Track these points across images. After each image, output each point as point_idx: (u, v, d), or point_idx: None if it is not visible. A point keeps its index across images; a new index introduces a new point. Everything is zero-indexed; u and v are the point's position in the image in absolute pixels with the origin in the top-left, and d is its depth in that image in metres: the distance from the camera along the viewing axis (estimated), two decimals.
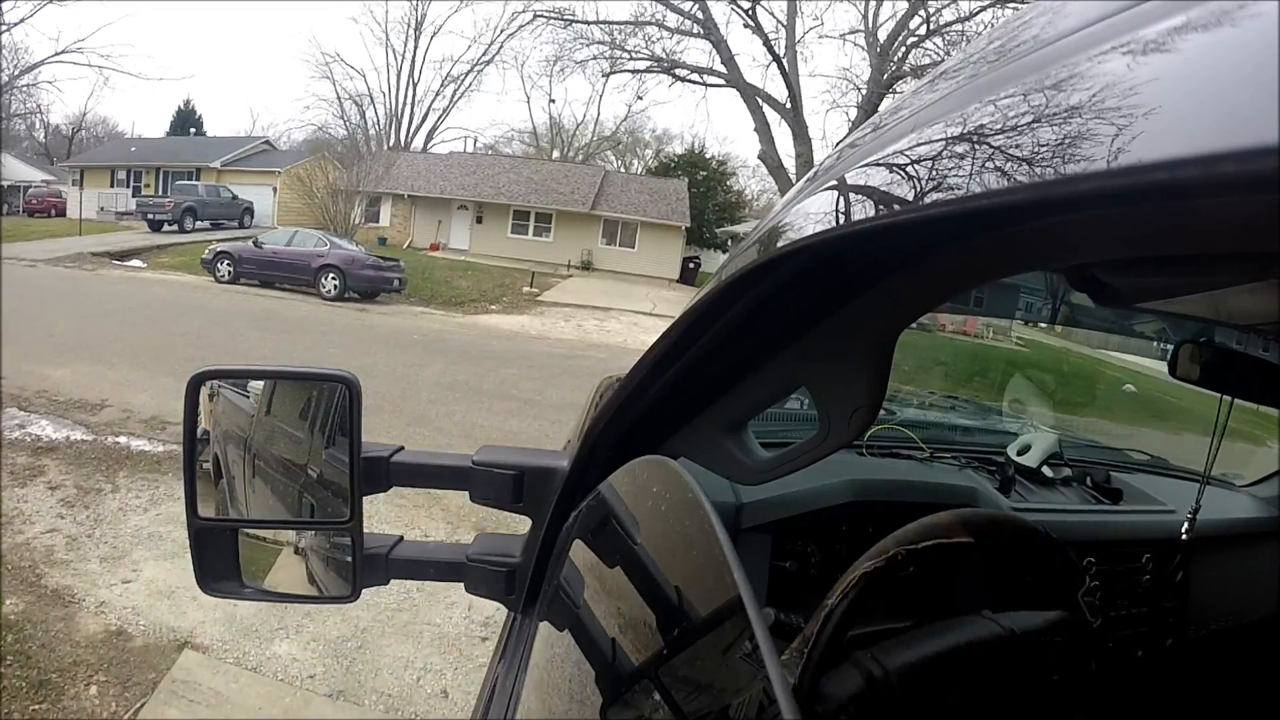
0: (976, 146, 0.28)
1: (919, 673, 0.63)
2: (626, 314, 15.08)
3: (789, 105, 14.99)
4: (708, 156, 32.53)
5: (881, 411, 0.54)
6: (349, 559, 0.74)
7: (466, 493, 0.78)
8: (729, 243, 27.47)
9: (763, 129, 14.99)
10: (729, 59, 15.90)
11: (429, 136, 36.57)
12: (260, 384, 0.85)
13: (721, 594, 0.45)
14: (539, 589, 0.78)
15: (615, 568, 0.63)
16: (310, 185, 20.68)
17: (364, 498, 0.72)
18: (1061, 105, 0.24)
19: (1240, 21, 0.19)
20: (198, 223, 21.53)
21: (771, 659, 0.33)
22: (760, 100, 15.16)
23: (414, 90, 36.06)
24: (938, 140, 0.32)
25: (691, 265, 24.32)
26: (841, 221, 0.38)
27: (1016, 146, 0.26)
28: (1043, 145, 0.24)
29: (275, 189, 23.89)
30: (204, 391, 0.74)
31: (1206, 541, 1.18)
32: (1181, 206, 0.23)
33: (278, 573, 0.84)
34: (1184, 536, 1.11)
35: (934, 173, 0.30)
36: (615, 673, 0.53)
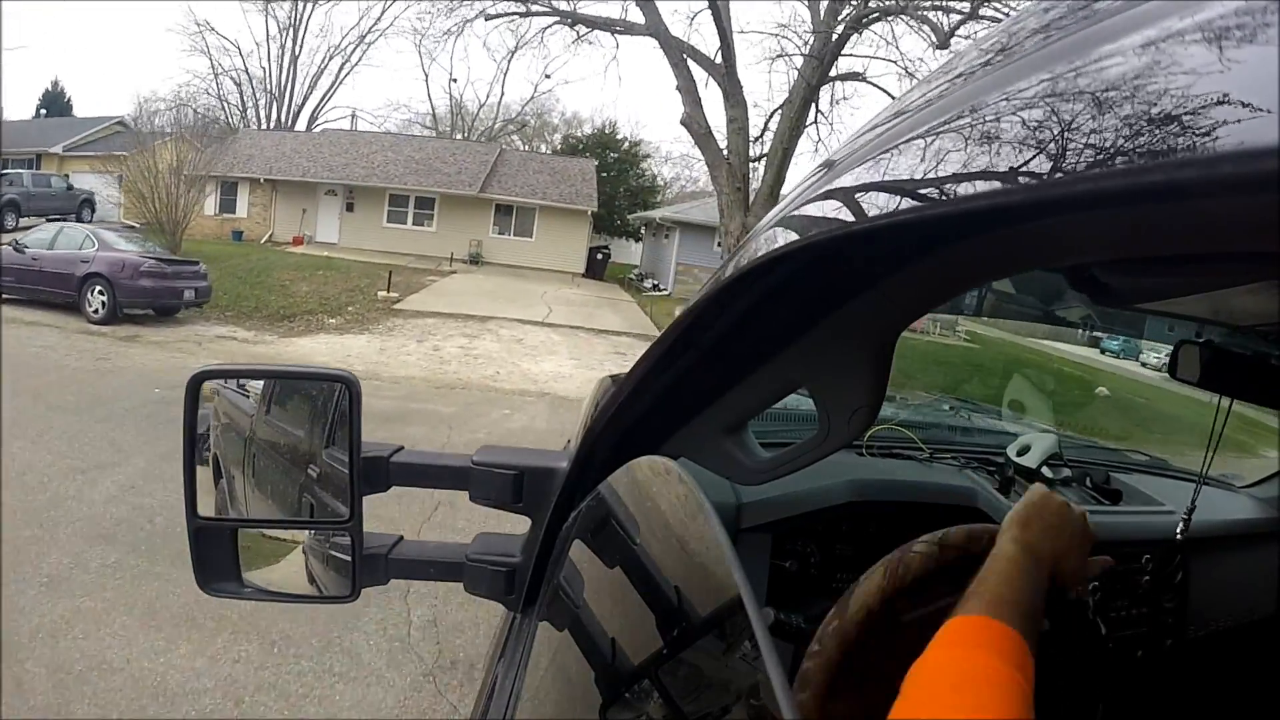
0: (976, 147, 0.28)
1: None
2: (510, 325, 11.32)
3: (720, 59, 12.62)
4: (619, 137, 29.19)
5: (881, 412, 0.54)
6: (349, 558, 0.74)
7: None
8: (642, 230, 24.13)
9: (687, 88, 12.70)
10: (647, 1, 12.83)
11: (313, 117, 31.41)
12: (260, 383, 0.85)
13: (721, 594, 0.45)
14: (539, 589, 0.78)
15: (615, 568, 0.63)
16: (157, 171, 15.87)
17: (363, 497, 0.72)
18: (1061, 106, 0.24)
19: (1240, 22, 0.19)
20: (21, 219, 16.63)
21: (771, 659, 0.33)
22: (685, 55, 12.80)
23: (295, 65, 31.07)
24: (937, 141, 0.32)
25: (600, 256, 20.78)
26: (841, 221, 0.38)
27: (1016, 147, 0.26)
28: (1042, 146, 0.24)
29: (121, 177, 17.86)
30: (204, 391, 0.74)
31: (1205, 542, 1.18)
32: (1181, 206, 0.23)
33: (283, 571, 0.84)
34: (1178, 536, 1.11)
35: (933, 173, 0.30)
36: (615, 673, 0.53)
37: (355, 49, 31.47)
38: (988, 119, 0.28)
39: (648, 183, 30.55)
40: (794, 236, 0.43)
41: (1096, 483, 1.28)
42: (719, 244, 13.46)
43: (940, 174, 0.30)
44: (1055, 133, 0.24)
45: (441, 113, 34.73)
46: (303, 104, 31.69)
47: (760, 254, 0.46)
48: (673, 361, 0.63)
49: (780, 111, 13.04)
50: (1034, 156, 0.24)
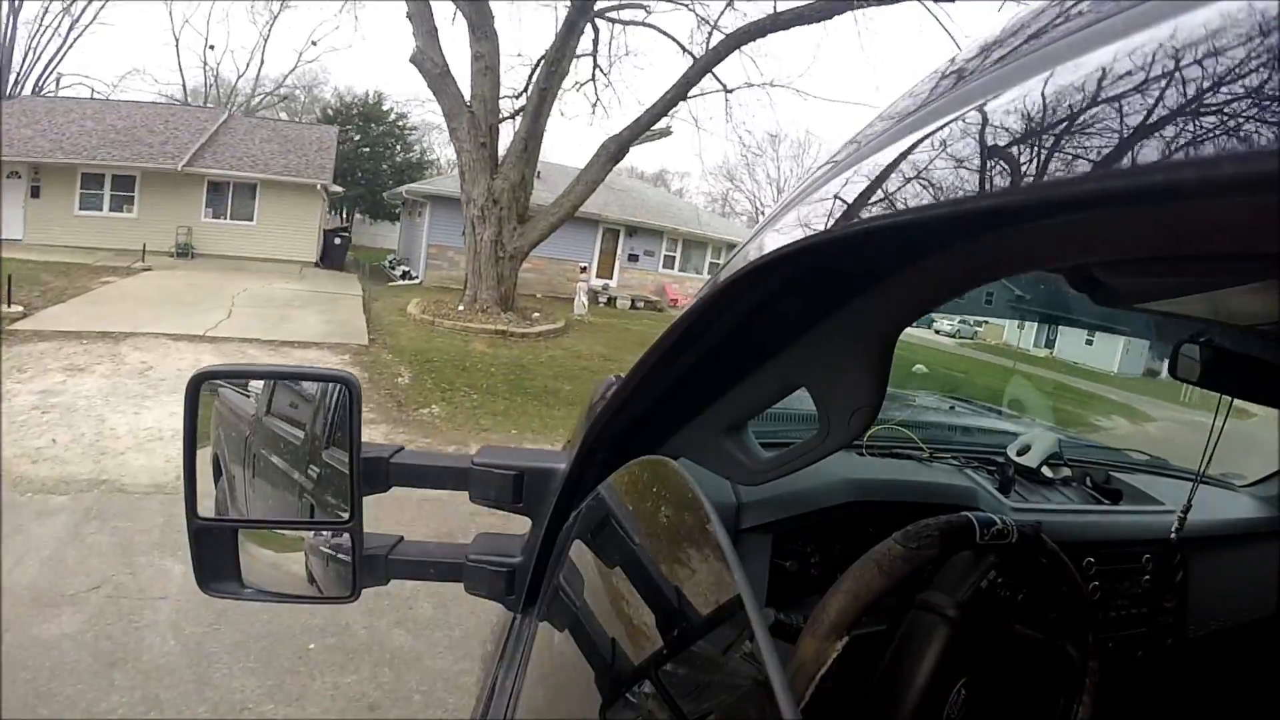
0: (976, 147, 0.28)
1: (918, 684, 0.64)
2: (153, 344, 7.77)
3: None
4: (385, 108, 25.04)
5: (881, 412, 0.54)
6: (349, 559, 0.74)
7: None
8: (400, 207, 19.72)
9: (420, 14, 10.02)
10: None
11: (38, 87, 24.28)
12: (260, 384, 0.85)
13: (721, 594, 0.45)
14: (539, 589, 0.78)
15: (615, 568, 0.63)
16: None
17: (364, 498, 0.72)
18: (1061, 106, 0.24)
19: (1239, 22, 0.19)
20: None
21: (771, 659, 0.33)
22: None
23: (14, 23, 23.35)
24: (938, 140, 0.32)
25: (338, 241, 16.69)
26: (841, 221, 0.38)
27: (1016, 147, 0.26)
28: (1043, 146, 0.24)
29: None
30: (204, 391, 0.74)
31: (1204, 541, 1.18)
32: (1181, 206, 0.23)
33: (283, 571, 0.84)
34: (1172, 535, 1.11)
35: (934, 173, 0.30)
36: (615, 673, 0.53)
37: (87, 5, 24.34)
38: (988, 119, 0.28)
39: (415, 158, 26.56)
40: (794, 236, 0.43)
41: (1096, 482, 1.28)
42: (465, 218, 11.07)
43: (940, 174, 0.30)
44: (1055, 133, 0.24)
45: (197, 85, 29.52)
46: (27, 70, 24.49)
47: (761, 254, 0.46)
48: (673, 361, 0.63)
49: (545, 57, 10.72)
50: (1034, 156, 0.24)
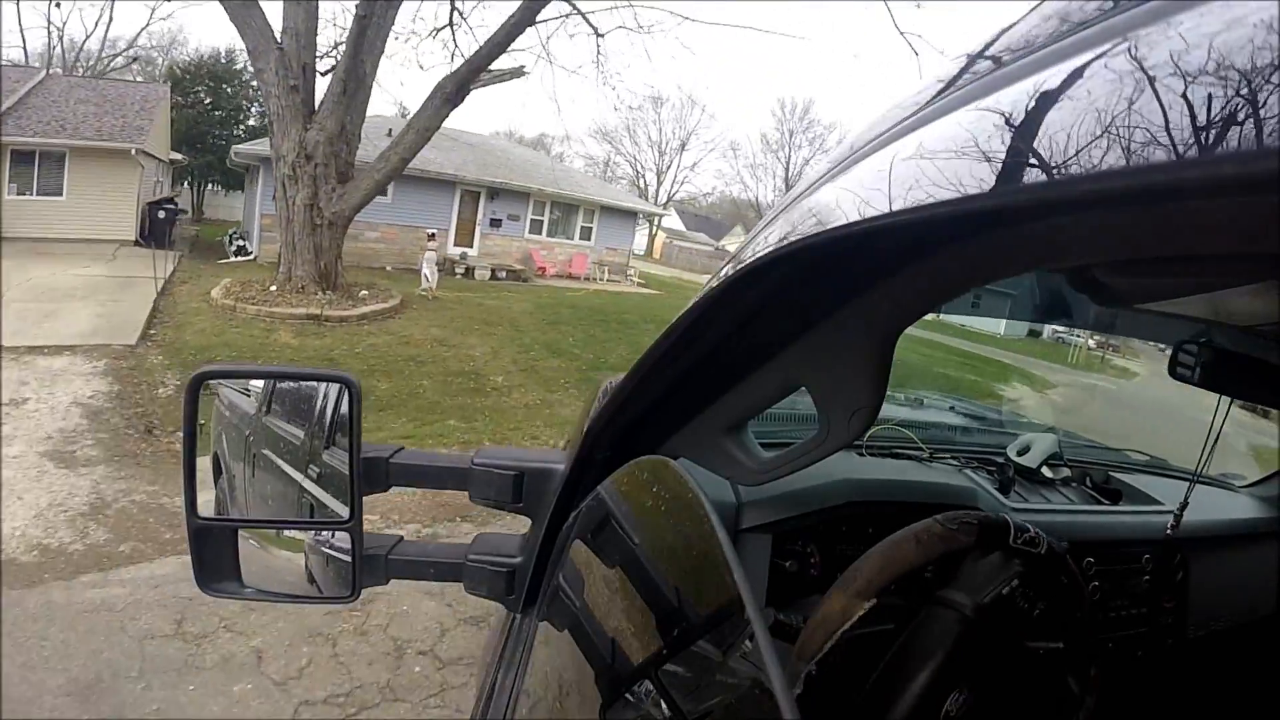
0: (977, 147, 0.28)
1: (920, 680, 0.64)
2: None
3: None
4: (238, 67, 21.21)
5: (881, 412, 0.54)
6: (349, 559, 0.74)
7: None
8: (246, 171, 16.14)
9: None
10: None
11: None
12: (260, 384, 0.85)
13: (721, 594, 0.45)
14: (539, 589, 0.78)
15: (615, 568, 0.63)
16: None
17: (364, 497, 0.72)
18: (1061, 106, 0.24)
19: (1239, 22, 0.19)
20: None
21: (771, 659, 0.33)
22: None
23: None
24: (938, 140, 0.32)
25: (163, 214, 13.78)
26: (841, 221, 0.38)
27: (1016, 147, 0.26)
28: (1042, 146, 0.24)
29: None
30: (204, 391, 0.74)
31: (1203, 541, 1.18)
32: (1181, 207, 0.23)
33: (283, 571, 0.84)
34: (1168, 532, 1.11)
35: (934, 172, 0.30)
36: (615, 673, 0.53)
37: None
38: (988, 119, 0.28)
39: (269, 122, 21.46)
40: (794, 236, 0.43)
41: (1096, 482, 1.29)
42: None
43: (940, 174, 0.30)
44: (1055, 133, 0.24)
45: (39, 47, 25.39)
46: None
47: (761, 254, 0.46)
48: (673, 361, 0.63)
49: None
50: (1034, 156, 0.24)
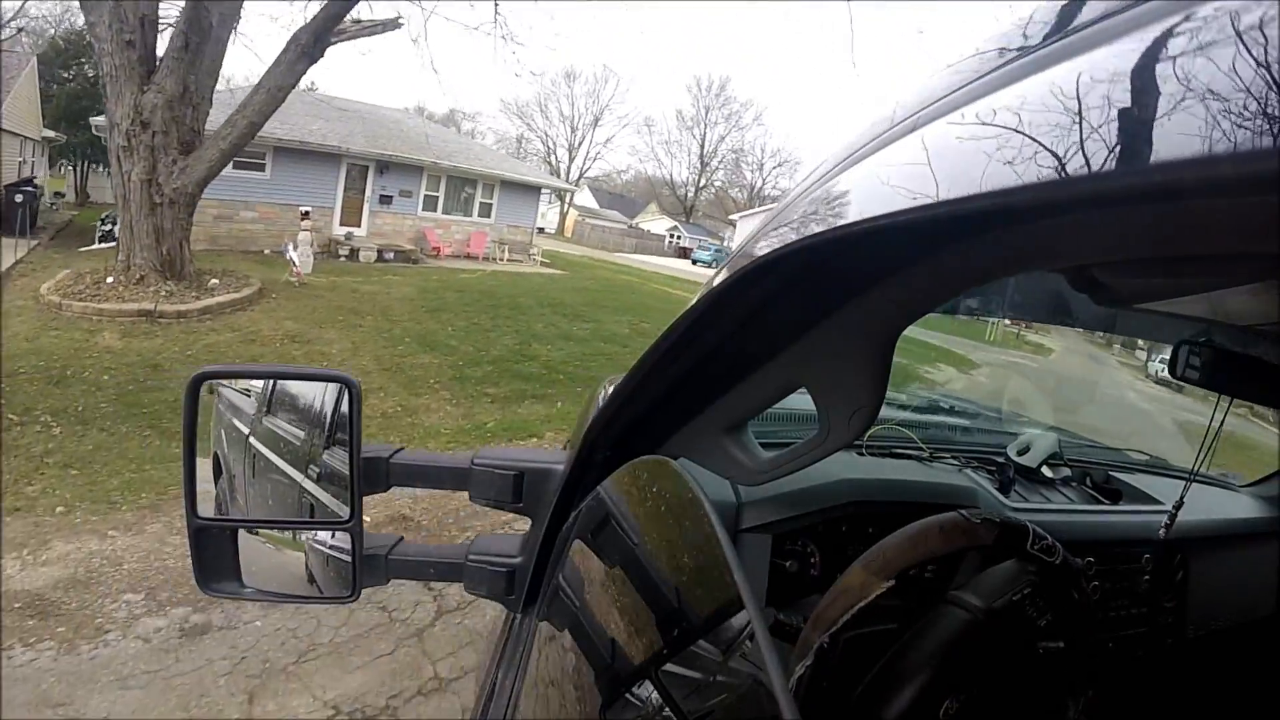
0: (977, 147, 0.28)
1: (924, 676, 0.64)
2: None
3: None
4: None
5: (881, 412, 0.54)
6: (349, 559, 0.74)
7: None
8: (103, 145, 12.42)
9: None
10: None
11: None
12: (260, 384, 0.85)
13: (721, 594, 0.45)
14: (539, 589, 0.78)
15: (615, 568, 0.63)
16: None
17: (364, 497, 0.72)
18: (1061, 106, 0.24)
19: (1239, 23, 0.19)
20: None
21: (771, 659, 0.33)
22: None
23: None
24: (937, 141, 0.32)
25: (19, 198, 11.80)
26: (842, 221, 0.38)
27: (1016, 147, 0.26)
28: (1042, 146, 0.24)
29: None
30: (204, 391, 0.74)
31: (1203, 541, 1.18)
32: (1181, 207, 0.23)
33: (283, 571, 0.84)
34: (1161, 533, 1.11)
35: (934, 173, 0.30)
36: (615, 673, 0.53)
37: None
38: (988, 119, 0.28)
39: (101, 84, 15.60)
40: (794, 236, 0.43)
41: (1096, 482, 1.29)
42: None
43: (940, 174, 0.30)
44: (1055, 132, 0.24)
45: None
46: None
47: (761, 254, 0.46)
48: (673, 361, 0.63)
49: None
50: (1034, 156, 0.24)
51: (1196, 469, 1.19)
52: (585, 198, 44.06)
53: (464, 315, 9.35)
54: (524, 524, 0.81)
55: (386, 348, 7.43)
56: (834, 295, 0.50)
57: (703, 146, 47.42)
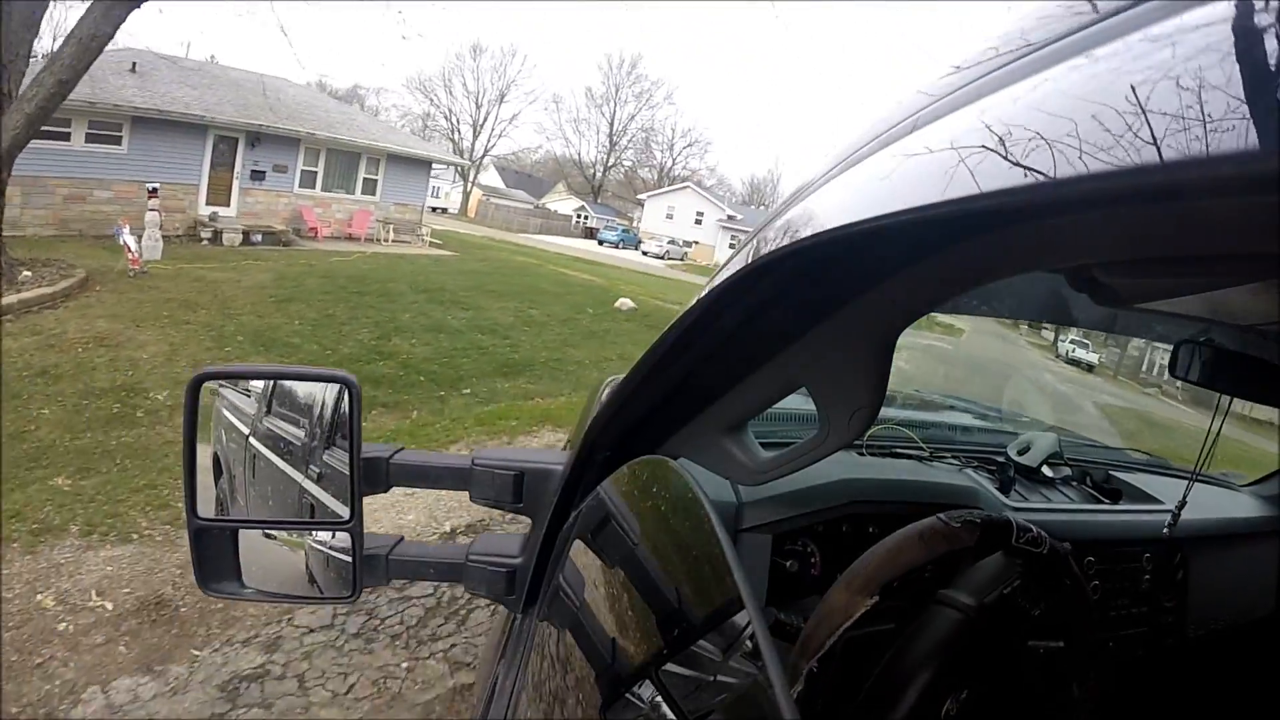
0: (977, 147, 0.28)
1: (922, 678, 0.64)
2: None
3: None
4: None
5: (881, 412, 0.54)
6: (349, 559, 0.74)
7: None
8: None
9: None
10: None
11: None
12: (261, 384, 0.85)
13: (721, 594, 0.45)
14: (539, 589, 0.78)
15: (615, 568, 0.63)
16: None
17: (364, 498, 0.72)
18: (1060, 106, 0.24)
19: (1239, 23, 0.19)
20: None
21: (771, 659, 0.33)
22: None
23: None
24: (938, 141, 0.32)
25: None
26: (841, 222, 0.38)
27: (1016, 147, 0.26)
28: (1042, 145, 0.24)
29: None
30: (204, 391, 0.74)
31: (1203, 541, 1.18)
32: (1181, 206, 0.23)
33: (283, 571, 0.84)
34: (1165, 531, 1.11)
35: (934, 172, 0.30)
36: (615, 673, 0.53)
37: None
38: (988, 119, 0.28)
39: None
40: (794, 236, 0.43)
41: (1096, 481, 1.29)
42: None
43: (940, 174, 0.30)
44: (1055, 132, 0.24)
45: None
46: None
47: (761, 254, 0.46)
48: (673, 361, 0.63)
49: None
50: (1034, 156, 0.24)
51: (1198, 468, 1.19)
52: (492, 178, 42.80)
53: (319, 305, 8.16)
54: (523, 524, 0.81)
55: (211, 350, 6.21)
56: (834, 295, 0.50)
57: (612, 125, 46.75)
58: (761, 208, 45.61)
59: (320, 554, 0.81)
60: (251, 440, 0.82)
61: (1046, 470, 1.25)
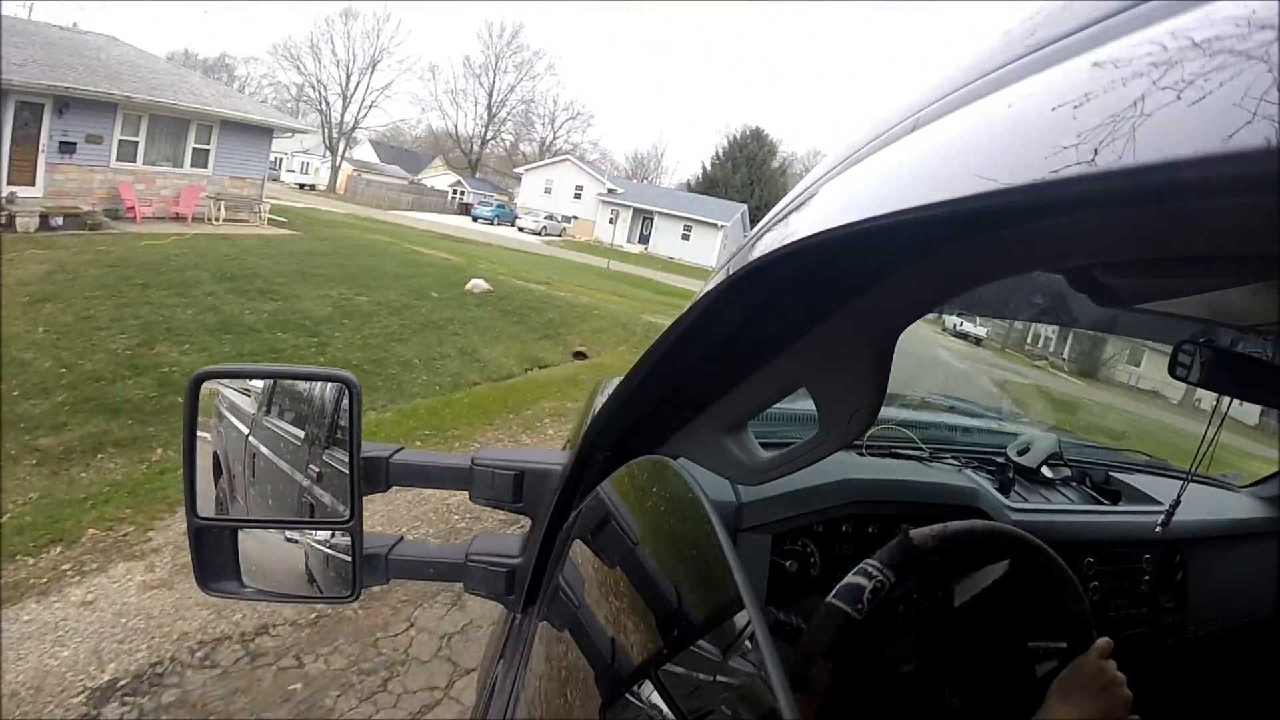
0: (977, 146, 0.28)
1: (925, 677, 0.64)
2: None
3: None
4: None
5: (881, 412, 0.54)
6: (349, 559, 0.74)
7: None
8: None
9: None
10: None
11: None
12: (261, 383, 0.85)
13: (721, 594, 0.45)
14: (539, 589, 0.78)
15: (615, 567, 0.63)
16: None
17: (364, 497, 0.72)
18: (1061, 106, 0.24)
19: (1239, 22, 0.19)
20: None
21: (771, 659, 0.33)
22: None
23: None
24: (938, 140, 0.32)
25: None
26: (841, 222, 0.38)
27: (1016, 147, 0.26)
28: (1042, 146, 0.24)
29: None
30: (204, 391, 0.74)
31: (1203, 541, 1.18)
32: (1181, 207, 0.23)
33: (283, 571, 0.84)
34: (1157, 530, 1.11)
35: (934, 172, 0.30)
36: (615, 673, 0.53)
37: None
38: (988, 118, 0.28)
39: None
40: (794, 237, 0.43)
41: (1096, 482, 1.29)
42: None
43: (940, 173, 0.30)
44: (1055, 132, 0.24)
45: None
46: None
47: (760, 254, 0.46)
48: (673, 361, 0.63)
49: None
50: (1034, 156, 0.24)
51: (1193, 469, 1.19)
52: (366, 152, 40.59)
53: (81, 305, 6.61)
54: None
55: None
56: (834, 295, 0.50)
57: (491, 96, 44.19)
58: (644, 181, 43.62)
59: (320, 553, 0.81)
60: (251, 440, 0.82)
61: (1046, 471, 1.25)
